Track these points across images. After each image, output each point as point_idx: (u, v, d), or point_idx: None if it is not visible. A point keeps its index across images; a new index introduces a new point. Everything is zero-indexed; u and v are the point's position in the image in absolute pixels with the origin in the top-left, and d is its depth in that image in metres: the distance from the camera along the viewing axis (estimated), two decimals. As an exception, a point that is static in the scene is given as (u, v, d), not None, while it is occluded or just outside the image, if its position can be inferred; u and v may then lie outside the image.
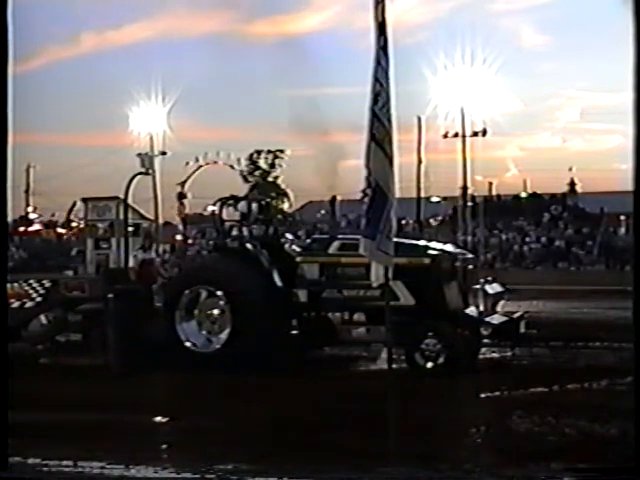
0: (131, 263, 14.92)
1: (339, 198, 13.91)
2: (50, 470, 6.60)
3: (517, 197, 46.17)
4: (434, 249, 12.22)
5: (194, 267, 15.59)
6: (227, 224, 13.32)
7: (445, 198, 45.42)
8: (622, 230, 36.89)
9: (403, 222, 37.25)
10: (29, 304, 12.93)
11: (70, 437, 7.72)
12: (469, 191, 41.47)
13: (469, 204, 40.66)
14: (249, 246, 12.55)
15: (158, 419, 8.87)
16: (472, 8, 53.21)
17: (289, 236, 13.60)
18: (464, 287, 11.87)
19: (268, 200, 13.31)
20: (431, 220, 43.19)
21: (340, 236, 12.85)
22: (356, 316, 11.96)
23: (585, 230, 38.62)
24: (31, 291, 13.00)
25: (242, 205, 13.10)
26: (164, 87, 43.40)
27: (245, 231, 13.02)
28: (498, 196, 46.41)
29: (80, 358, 12.42)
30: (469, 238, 38.35)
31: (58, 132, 65.01)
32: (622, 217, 35.84)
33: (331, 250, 12.17)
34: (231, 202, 13.28)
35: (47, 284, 13.09)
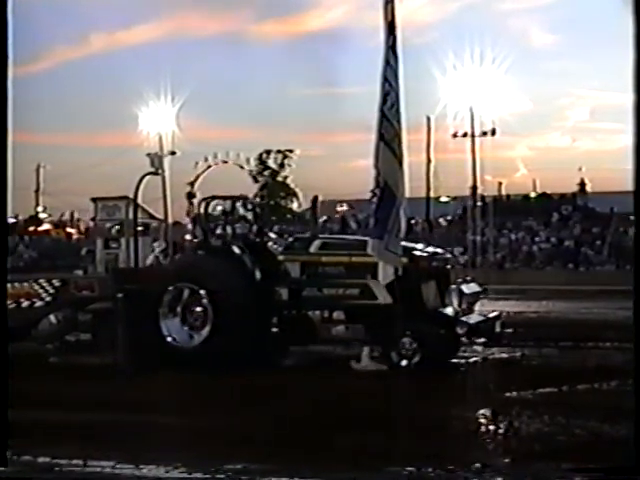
0: (149, 260, 14.88)
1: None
2: (56, 469, 6.60)
3: (526, 197, 46.16)
4: (412, 249, 12.23)
5: (177, 265, 15.36)
6: (211, 223, 13.35)
7: (454, 198, 45.38)
8: (632, 230, 36.75)
9: (412, 222, 37.24)
10: (39, 303, 12.96)
11: (77, 436, 7.71)
12: (478, 191, 41.45)
13: (478, 204, 40.59)
14: (232, 245, 12.60)
15: (163, 419, 8.85)
16: (481, 7, 53.32)
17: (272, 235, 13.73)
18: (441, 287, 11.94)
19: (254, 200, 13.41)
20: (440, 220, 43.16)
21: (321, 235, 12.97)
22: (335, 314, 12.01)
23: (595, 230, 38.51)
24: (41, 290, 13.03)
25: (225, 204, 13.19)
26: (173, 87, 43.63)
27: (229, 230, 13.08)
28: (507, 196, 46.42)
29: (90, 357, 12.44)
30: (478, 238, 38.29)
31: (68, 132, 65.23)
32: (632, 217, 35.70)
33: (312, 249, 12.21)
34: (215, 202, 13.34)
35: (57, 283, 13.13)
